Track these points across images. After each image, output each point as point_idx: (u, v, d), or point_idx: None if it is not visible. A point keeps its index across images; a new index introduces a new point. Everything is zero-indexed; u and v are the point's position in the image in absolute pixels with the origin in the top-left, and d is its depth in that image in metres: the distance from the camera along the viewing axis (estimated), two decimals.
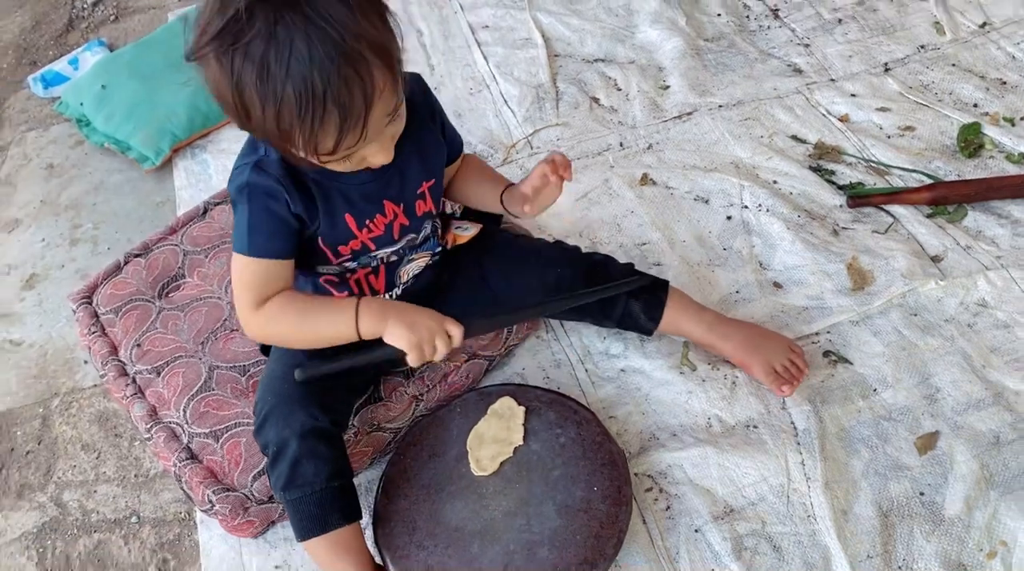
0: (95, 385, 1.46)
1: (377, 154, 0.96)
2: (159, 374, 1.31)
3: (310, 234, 1.07)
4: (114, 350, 1.37)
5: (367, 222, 1.08)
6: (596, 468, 1.12)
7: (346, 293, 1.17)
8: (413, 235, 1.15)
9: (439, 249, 1.22)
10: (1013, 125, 1.51)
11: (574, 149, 1.62)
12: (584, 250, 1.27)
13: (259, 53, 0.84)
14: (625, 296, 1.22)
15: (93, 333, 1.39)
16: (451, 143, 1.19)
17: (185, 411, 1.25)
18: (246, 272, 1.04)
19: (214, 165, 1.79)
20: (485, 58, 1.86)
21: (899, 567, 1.04)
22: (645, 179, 1.53)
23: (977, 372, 1.19)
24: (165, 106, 1.85)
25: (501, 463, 1.15)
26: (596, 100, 1.73)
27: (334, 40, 0.84)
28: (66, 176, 1.88)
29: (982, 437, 1.12)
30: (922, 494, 1.09)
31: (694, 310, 1.24)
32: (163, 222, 1.72)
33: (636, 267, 1.25)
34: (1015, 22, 1.70)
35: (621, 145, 1.62)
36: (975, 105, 1.56)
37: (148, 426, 1.25)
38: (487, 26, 1.94)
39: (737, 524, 1.10)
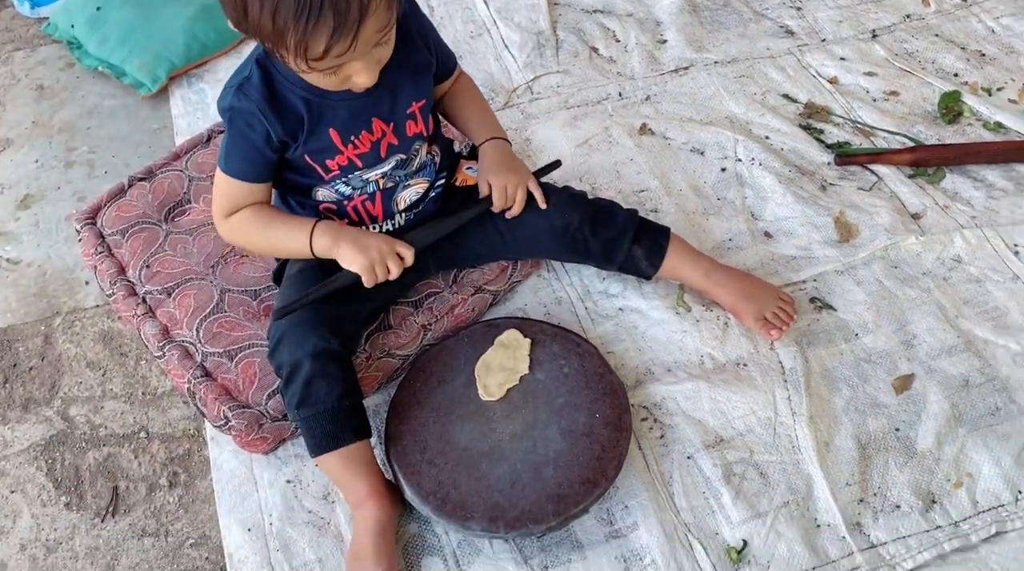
0: (97, 306, 1.48)
1: (361, 73, 1.00)
2: (170, 295, 1.34)
3: (297, 152, 1.12)
4: (122, 270, 1.39)
5: (352, 138, 1.13)
6: (598, 397, 1.19)
7: (346, 221, 1.21)
8: (402, 155, 1.18)
9: (441, 180, 1.27)
10: (990, 95, 1.60)
11: (574, 96, 1.67)
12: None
13: None
14: (629, 241, 1.28)
15: (100, 253, 1.41)
16: (444, 61, 1.23)
17: (198, 331, 1.29)
18: (222, 185, 1.15)
19: (211, 94, 1.79)
20: (485, 2, 1.88)
21: (874, 494, 1.13)
22: (644, 129, 1.59)
23: (951, 321, 1.28)
24: (162, 33, 1.84)
25: (508, 390, 1.21)
26: (595, 50, 1.77)
27: None
28: (57, 98, 1.86)
29: (953, 380, 1.22)
30: (897, 430, 1.19)
31: (692, 257, 1.31)
32: (161, 148, 1.73)
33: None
34: None
35: (620, 95, 1.67)
36: (956, 74, 1.65)
37: (161, 344, 1.28)
38: None
39: (727, 452, 1.18)
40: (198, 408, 1.24)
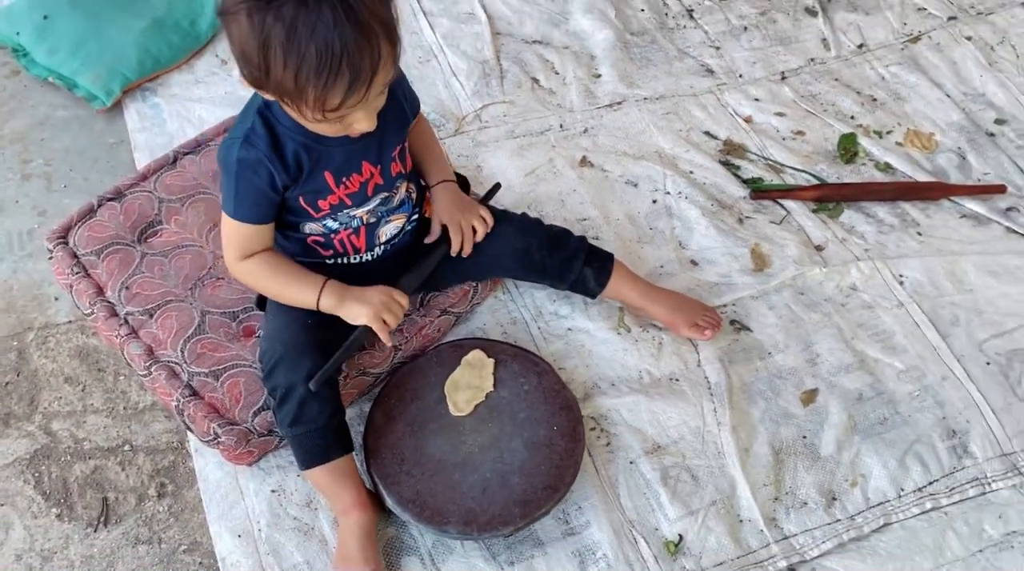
0: (70, 321, 1.54)
1: (363, 120, 1.12)
2: (151, 316, 1.42)
3: (294, 193, 1.23)
4: (100, 291, 1.46)
5: (343, 179, 1.25)
6: (555, 411, 1.36)
7: (331, 251, 1.33)
8: (387, 193, 1.31)
9: (416, 213, 1.40)
10: (881, 138, 1.83)
11: (519, 126, 1.82)
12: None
13: (290, 15, 0.98)
14: (581, 262, 1.44)
15: (76, 274, 1.47)
16: (411, 103, 1.34)
17: (183, 352, 1.38)
18: (233, 231, 1.25)
19: (167, 109, 1.85)
20: (432, 28, 2.00)
21: (787, 493, 1.34)
22: (584, 161, 1.75)
23: (847, 342, 1.50)
24: (114, 45, 1.88)
25: (475, 406, 1.36)
26: (536, 81, 1.92)
27: (355, 13, 0.99)
28: (5, 108, 1.88)
29: (850, 394, 1.44)
30: (804, 437, 1.40)
31: (632, 279, 1.49)
32: (119, 163, 1.78)
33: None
34: (886, 46, 2.02)
35: (561, 127, 1.82)
36: (852, 117, 1.88)
37: (147, 364, 1.37)
38: None
39: (663, 458, 1.37)
40: (186, 425, 1.34)
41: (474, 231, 1.39)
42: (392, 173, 1.30)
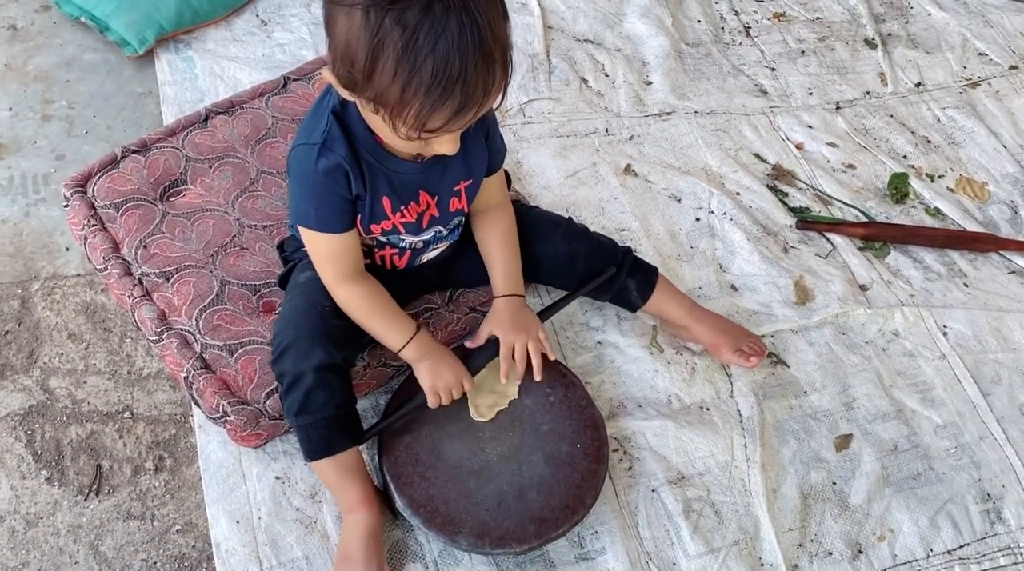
0: (79, 275, 1.47)
1: (447, 144, 1.03)
2: (168, 280, 1.35)
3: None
4: (116, 247, 1.39)
5: (402, 207, 1.17)
6: (580, 428, 1.29)
7: (368, 261, 1.25)
8: (441, 228, 1.25)
9: (458, 236, 1.32)
10: (932, 181, 1.78)
11: (564, 126, 1.75)
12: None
13: (413, 22, 0.89)
14: (625, 274, 1.38)
15: (92, 226, 1.40)
16: (494, 154, 1.25)
17: (198, 321, 1.31)
18: (321, 247, 1.18)
19: (200, 64, 1.78)
20: None
21: (811, 540, 1.29)
22: (628, 169, 1.69)
23: (886, 390, 1.45)
24: None
25: (497, 412, 1.29)
26: (585, 81, 1.86)
27: (481, 32, 0.91)
28: (32, 43, 1.80)
29: (885, 444, 1.39)
30: (835, 484, 1.34)
31: (676, 295, 1.42)
32: (145, 114, 1.71)
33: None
34: (944, 88, 1.97)
35: (607, 131, 1.76)
36: (905, 156, 1.82)
37: (159, 330, 1.30)
38: None
39: (687, 489, 1.31)
40: (193, 398, 1.27)
41: (528, 361, 1.28)
42: (451, 208, 1.22)
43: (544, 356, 1.29)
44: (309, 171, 1.10)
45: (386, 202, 1.15)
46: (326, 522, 1.24)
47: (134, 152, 1.49)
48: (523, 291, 1.32)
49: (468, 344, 1.30)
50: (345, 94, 1.00)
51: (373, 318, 1.21)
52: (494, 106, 1.01)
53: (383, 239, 1.22)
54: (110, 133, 1.66)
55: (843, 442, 1.39)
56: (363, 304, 1.20)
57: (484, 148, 1.22)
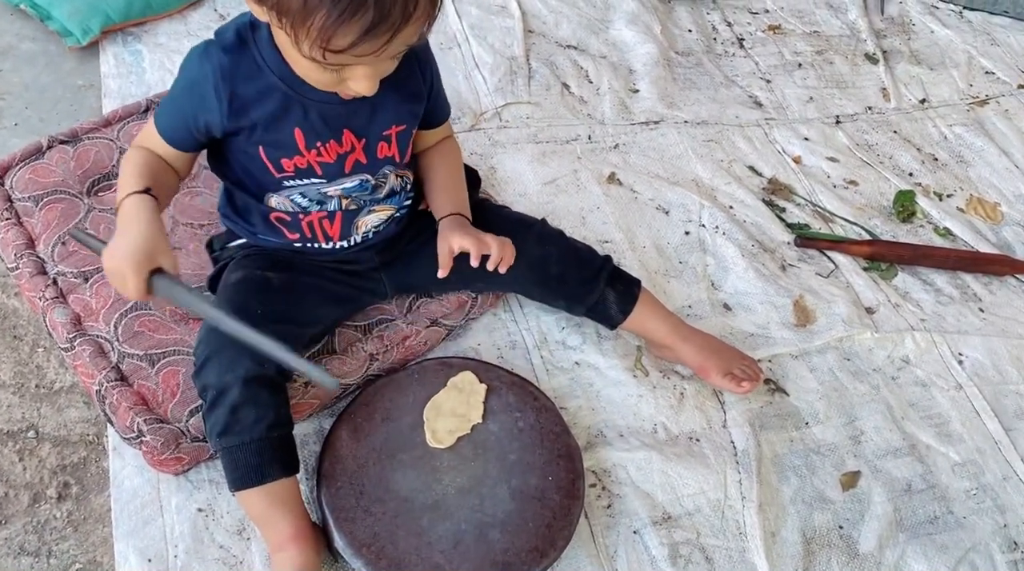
0: None
1: (362, 80, 0.91)
2: (87, 280, 1.19)
3: (252, 140, 1.01)
4: (30, 243, 1.23)
5: (318, 144, 1.03)
6: (552, 458, 1.13)
7: (298, 234, 1.11)
8: (367, 176, 1.09)
9: (408, 202, 1.18)
10: (941, 200, 1.65)
11: (543, 131, 1.61)
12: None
13: None
14: (604, 283, 1.23)
15: (6, 219, 1.24)
16: (436, 107, 1.15)
17: (116, 327, 1.14)
18: (148, 127, 1.05)
19: (148, 58, 1.63)
20: (459, 15, 1.80)
21: None
22: (612, 178, 1.54)
23: (897, 422, 1.29)
24: None
25: (458, 439, 1.13)
26: (567, 86, 1.72)
27: None
28: None
29: (897, 483, 1.22)
30: (841, 527, 1.18)
31: (661, 311, 1.27)
32: (85, 108, 1.56)
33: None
34: (950, 105, 1.85)
35: (589, 138, 1.62)
36: (911, 174, 1.69)
37: (71, 335, 1.13)
38: None
39: (674, 531, 1.14)
40: (106, 414, 1.10)
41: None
42: (379, 154, 1.08)
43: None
44: (185, 69, 1.00)
45: (298, 135, 1.01)
46: (253, 563, 1.06)
47: (62, 142, 1.34)
48: (470, 216, 1.16)
49: (440, 276, 1.12)
50: (253, 5, 0.89)
51: (124, 165, 1.00)
52: (415, 41, 0.88)
53: (302, 199, 1.07)
54: (42, 125, 1.50)
55: (850, 480, 1.22)
56: (127, 160, 1.01)
57: (423, 97, 1.09)
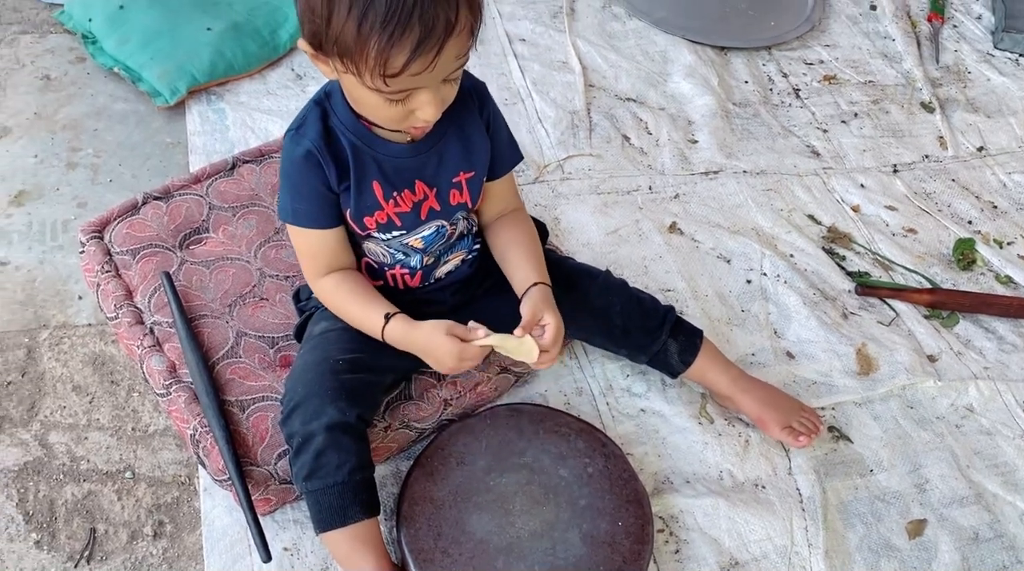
0: (90, 325, 1.39)
1: (427, 106, 0.95)
2: None
3: (342, 205, 1.08)
4: (129, 295, 1.31)
5: (394, 194, 1.09)
6: (622, 503, 1.16)
7: (380, 282, 1.18)
8: (443, 222, 1.14)
9: (477, 244, 1.24)
10: (1001, 248, 1.66)
11: (605, 183, 1.67)
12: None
13: None
14: (667, 333, 1.27)
15: (106, 272, 1.32)
16: (502, 152, 1.18)
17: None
18: (300, 242, 1.12)
19: (232, 116, 1.73)
20: (522, 71, 1.88)
21: None
22: (673, 227, 1.59)
23: (962, 471, 1.30)
24: (187, 44, 1.78)
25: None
26: (627, 138, 1.78)
27: None
28: (64, 92, 1.77)
29: (964, 532, 1.23)
30: None
31: (722, 362, 1.30)
32: (172, 164, 1.65)
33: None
34: (1008, 152, 1.86)
35: (650, 188, 1.67)
36: (970, 222, 1.71)
37: (167, 383, 1.20)
38: (524, 39, 1.96)
39: None
40: (199, 458, 1.17)
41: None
42: (451, 201, 1.13)
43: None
44: (287, 160, 1.06)
45: (376, 188, 1.07)
46: None
47: (156, 198, 1.43)
48: (548, 281, 1.17)
49: (517, 334, 1.09)
50: (320, 64, 0.96)
51: (348, 302, 1.11)
52: (464, 55, 0.94)
53: (385, 255, 1.13)
54: (135, 182, 1.61)
55: (916, 528, 1.24)
56: (338, 288, 1.11)
57: (486, 139, 1.14)
